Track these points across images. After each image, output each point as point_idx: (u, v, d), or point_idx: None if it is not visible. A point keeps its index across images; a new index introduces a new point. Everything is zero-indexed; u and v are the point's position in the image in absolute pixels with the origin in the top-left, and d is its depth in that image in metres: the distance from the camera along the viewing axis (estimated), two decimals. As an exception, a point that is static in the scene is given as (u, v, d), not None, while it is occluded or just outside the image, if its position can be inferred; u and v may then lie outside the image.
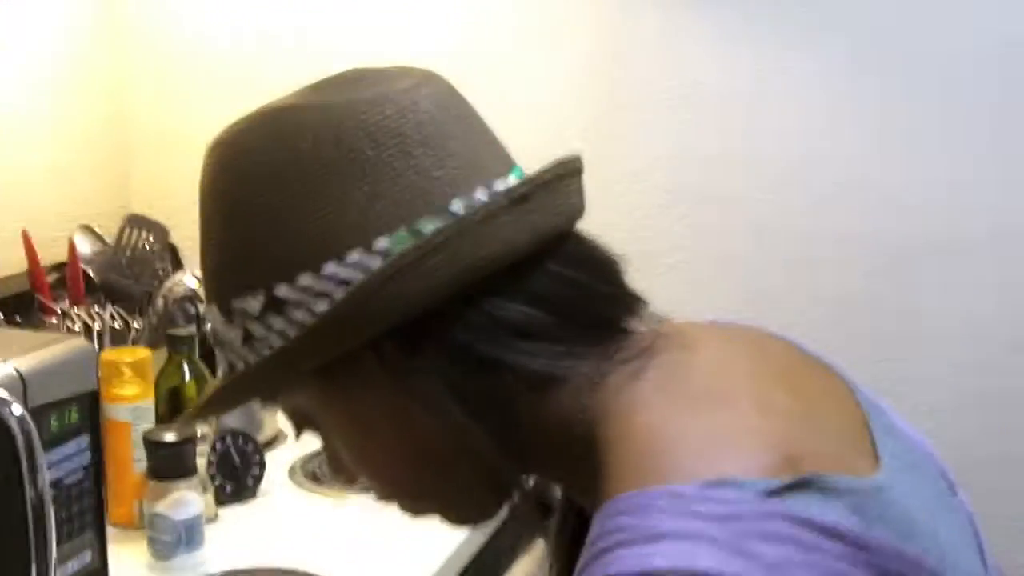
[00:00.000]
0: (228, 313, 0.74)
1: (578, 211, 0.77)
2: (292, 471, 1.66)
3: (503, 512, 0.80)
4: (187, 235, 1.82)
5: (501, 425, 0.73)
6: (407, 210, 0.70)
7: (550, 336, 0.72)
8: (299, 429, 0.81)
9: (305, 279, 0.70)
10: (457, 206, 0.71)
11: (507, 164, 0.77)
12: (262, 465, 1.58)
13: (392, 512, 1.53)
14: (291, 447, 1.74)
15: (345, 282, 0.70)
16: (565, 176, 0.76)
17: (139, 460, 1.44)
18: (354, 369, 0.73)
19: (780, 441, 0.67)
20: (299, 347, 0.71)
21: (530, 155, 0.78)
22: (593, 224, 0.79)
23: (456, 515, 0.83)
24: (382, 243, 0.70)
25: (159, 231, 1.72)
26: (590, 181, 0.78)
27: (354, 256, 0.70)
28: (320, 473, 1.65)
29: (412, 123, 0.72)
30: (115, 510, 1.45)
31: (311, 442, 1.70)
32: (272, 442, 1.75)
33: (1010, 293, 1.64)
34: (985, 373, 1.65)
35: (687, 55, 1.69)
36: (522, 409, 0.73)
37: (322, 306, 0.70)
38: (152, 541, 1.38)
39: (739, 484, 0.63)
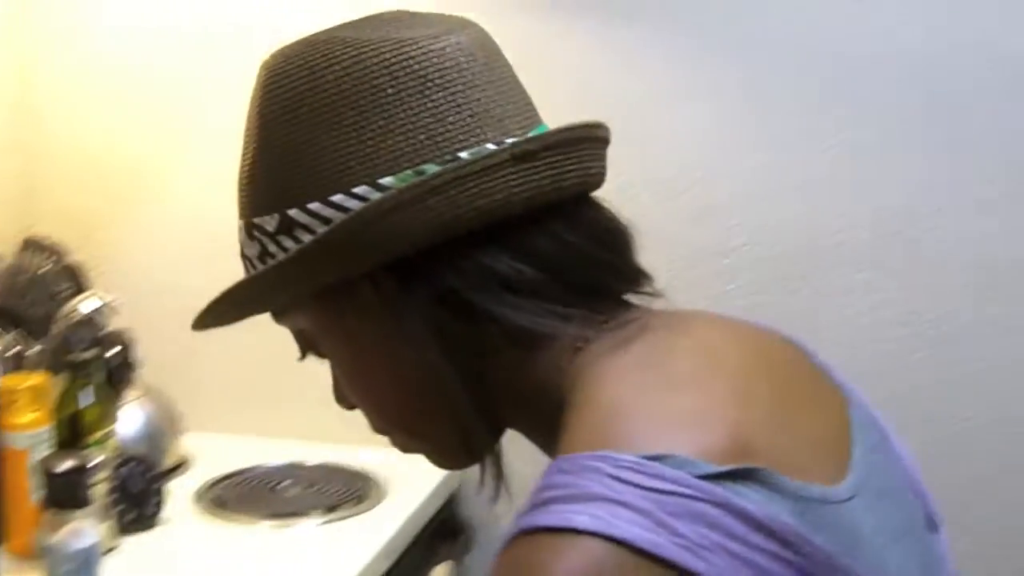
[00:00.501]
0: (249, 229, 0.78)
1: (592, 177, 0.78)
2: (197, 498, 1.64)
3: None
4: (96, 253, 1.78)
5: (478, 373, 0.76)
6: (416, 151, 0.73)
7: (539, 294, 0.74)
8: (304, 351, 0.84)
9: (315, 205, 0.74)
10: (465, 155, 0.73)
11: (530, 121, 0.78)
12: (164, 492, 1.55)
13: (298, 539, 1.52)
14: (196, 473, 1.72)
15: (349, 212, 0.73)
16: (581, 140, 0.77)
17: (36, 489, 1.40)
18: (352, 298, 0.76)
19: (741, 431, 0.68)
20: (297, 265, 0.74)
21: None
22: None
23: (436, 457, 0.85)
24: (388, 180, 0.73)
25: (57, 253, 1.69)
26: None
27: (361, 189, 0.73)
28: (226, 499, 1.63)
29: (435, 68, 0.74)
30: (12, 540, 1.42)
31: (217, 468, 1.70)
32: (177, 468, 1.72)
33: (903, 301, 1.66)
34: (884, 379, 1.67)
35: (576, 63, 1.68)
36: (501, 361, 0.75)
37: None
38: (49, 573, 1.35)
39: (680, 462, 0.64)
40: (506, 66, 0.80)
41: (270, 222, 0.76)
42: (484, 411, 0.77)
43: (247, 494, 1.64)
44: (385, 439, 0.85)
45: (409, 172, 0.73)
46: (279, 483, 1.67)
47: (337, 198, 0.74)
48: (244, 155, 0.80)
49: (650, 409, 0.69)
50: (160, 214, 1.84)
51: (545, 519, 0.63)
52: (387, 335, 0.76)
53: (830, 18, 1.62)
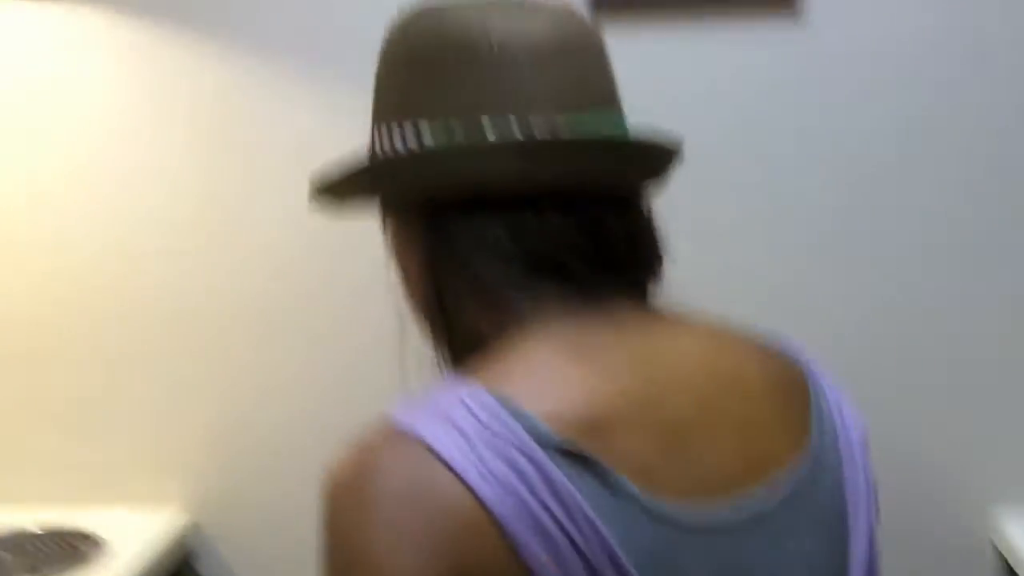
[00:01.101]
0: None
1: (594, 179, 0.86)
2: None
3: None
4: None
5: (449, 308, 0.88)
6: (450, 108, 0.87)
7: (511, 263, 0.85)
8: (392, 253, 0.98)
9: (383, 127, 0.91)
10: (486, 120, 0.86)
11: (583, 102, 0.88)
12: None
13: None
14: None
15: (404, 142, 0.88)
16: (590, 144, 0.86)
17: None
18: (399, 216, 0.92)
19: (605, 417, 0.76)
20: (358, 173, 0.90)
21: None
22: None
23: (441, 362, 0.94)
24: (423, 124, 0.87)
25: None
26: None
27: (407, 124, 0.88)
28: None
29: (488, 50, 0.87)
30: None
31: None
32: None
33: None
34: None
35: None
36: (463, 304, 0.87)
37: (389, 153, 0.90)
38: None
39: (524, 418, 0.74)
40: (580, 55, 0.89)
41: (373, 132, 0.93)
42: (454, 343, 0.89)
43: (-41, 564, 1.56)
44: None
45: (439, 123, 0.87)
46: (-5, 551, 1.59)
47: (392, 125, 0.90)
48: None
49: (537, 372, 0.78)
50: None
51: (398, 415, 0.76)
52: (410, 257, 0.91)
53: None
